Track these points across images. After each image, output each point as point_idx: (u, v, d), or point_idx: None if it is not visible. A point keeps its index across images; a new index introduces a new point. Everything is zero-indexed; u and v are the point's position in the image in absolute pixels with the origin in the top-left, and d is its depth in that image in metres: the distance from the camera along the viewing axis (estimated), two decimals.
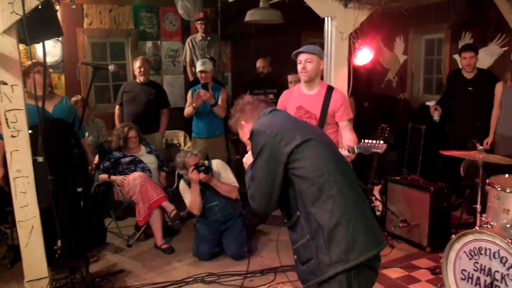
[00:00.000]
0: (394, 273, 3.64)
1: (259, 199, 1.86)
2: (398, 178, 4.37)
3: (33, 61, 3.57)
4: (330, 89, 3.35)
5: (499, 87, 4.61)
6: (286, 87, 4.73)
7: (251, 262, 3.88)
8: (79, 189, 3.23)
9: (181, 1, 4.88)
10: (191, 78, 5.78)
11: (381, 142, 3.09)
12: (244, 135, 2.09)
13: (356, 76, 5.38)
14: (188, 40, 5.84)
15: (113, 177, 4.36)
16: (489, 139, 4.67)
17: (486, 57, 5.47)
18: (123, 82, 5.55)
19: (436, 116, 5.03)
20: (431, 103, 5.57)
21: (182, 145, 5.77)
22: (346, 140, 3.32)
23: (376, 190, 4.54)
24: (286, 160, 1.80)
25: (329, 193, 1.77)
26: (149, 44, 6.16)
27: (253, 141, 1.89)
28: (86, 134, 4.87)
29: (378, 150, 3.10)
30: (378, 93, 7.03)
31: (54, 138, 3.37)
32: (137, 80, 5.04)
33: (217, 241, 4.04)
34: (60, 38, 5.33)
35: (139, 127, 4.75)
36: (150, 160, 4.56)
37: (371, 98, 6.59)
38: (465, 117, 4.89)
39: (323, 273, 1.76)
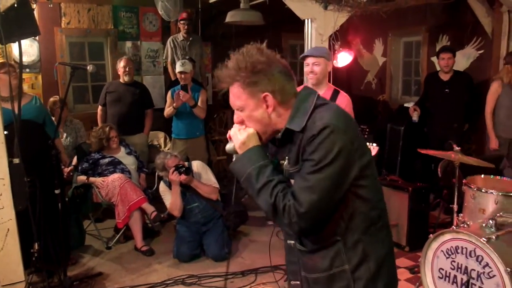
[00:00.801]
0: None
1: (312, 218, 1.40)
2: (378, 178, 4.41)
3: (0, 61, 3.50)
4: (336, 91, 3.32)
5: (496, 86, 4.54)
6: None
7: (232, 263, 3.89)
8: (57, 191, 3.18)
9: (161, 1, 4.84)
10: (173, 78, 5.74)
11: (374, 144, 3.08)
12: (257, 108, 1.47)
13: (336, 78, 5.44)
14: (170, 39, 5.80)
15: (91, 179, 4.30)
16: (492, 144, 4.54)
17: (463, 59, 5.59)
18: (103, 83, 5.48)
19: (415, 116, 5.12)
20: (409, 105, 5.66)
21: (163, 146, 5.73)
22: None
23: None
24: (358, 174, 1.41)
25: (384, 221, 1.53)
26: (128, 44, 6.09)
27: (326, 138, 1.36)
28: (64, 135, 4.80)
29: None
30: (358, 94, 7.10)
31: (22, 140, 3.29)
32: (121, 80, 4.98)
33: (197, 242, 4.02)
34: (37, 37, 5.22)
35: (124, 128, 4.71)
36: (129, 162, 4.52)
37: (351, 99, 6.64)
38: (442, 118, 4.99)
39: None
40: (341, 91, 3.34)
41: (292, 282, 1.66)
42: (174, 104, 4.65)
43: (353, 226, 1.46)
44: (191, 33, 5.79)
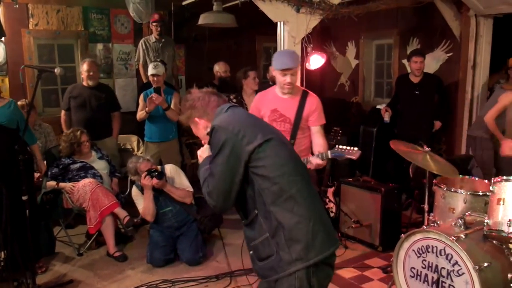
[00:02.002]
0: (347, 273, 3.71)
1: (217, 196, 1.85)
2: (351, 180, 4.46)
3: None
4: (305, 93, 3.32)
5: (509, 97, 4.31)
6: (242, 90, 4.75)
7: (206, 267, 3.86)
8: (24, 198, 3.08)
9: (132, 3, 4.79)
10: (144, 80, 5.67)
11: (355, 148, 3.06)
12: (199, 130, 2.10)
13: (310, 80, 5.46)
14: (142, 41, 5.72)
15: (61, 184, 4.19)
16: (506, 150, 4.18)
17: (432, 62, 5.72)
18: None
19: (386, 117, 5.20)
20: (382, 106, 5.75)
21: (136, 150, 5.65)
22: (317, 145, 3.28)
23: (330, 192, 4.62)
24: (247, 158, 1.80)
25: (289, 193, 1.81)
26: (100, 46, 5.99)
27: (213, 136, 1.87)
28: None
29: (352, 157, 3.04)
30: (331, 96, 7.17)
31: None
32: (85, 84, 4.85)
33: (171, 247, 3.97)
34: (2, 39, 5.07)
35: (91, 132, 4.60)
36: (101, 166, 4.43)
37: (324, 101, 6.66)
38: (412, 119, 5.09)
39: (283, 270, 1.80)
40: (309, 92, 3.36)
41: (250, 253, 1.97)
42: (147, 108, 4.59)
43: (263, 200, 1.82)
44: (163, 35, 5.73)
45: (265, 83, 6.96)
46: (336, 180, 4.63)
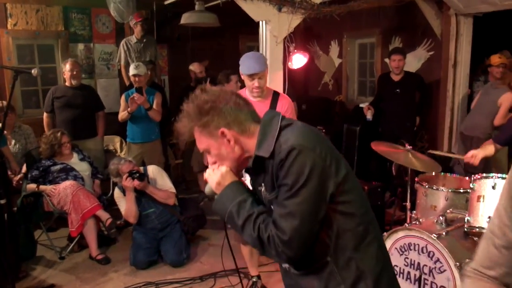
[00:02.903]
0: None
1: (299, 244, 1.36)
2: None
3: None
4: (276, 94, 3.29)
5: (509, 99, 4.42)
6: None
7: (190, 269, 3.84)
8: (2, 201, 3.01)
9: (113, 3, 4.72)
10: (126, 82, 5.61)
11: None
12: (220, 146, 1.47)
13: (294, 79, 5.48)
14: (123, 42, 5.66)
15: (42, 187, 4.12)
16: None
17: (414, 61, 5.76)
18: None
19: (369, 115, 5.23)
20: (364, 105, 5.79)
21: (119, 151, 5.58)
22: None
23: None
24: (335, 191, 1.36)
25: (373, 234, 1.46)
26: (81, 46, 5.90)
27: (294, 161, 1.33)
28: (13, 142, 4.59)
29: None
30: (315, 95, 7.20)
31: None
32: (68, 84, 4.80)
33: (155, 248, 3.94)
34: None
35: (77, 133, 4.55)
36: (82, 168, 4.37)
37: (308, 100, 6.73)
38: (395, 117, 5.12)
39: None
40: (280, 93, 3.31)
41: None
42: (129, 108, 4.55)
43: (342, 244, 1.41)
44: (145, 35, 5.67)
45: None
46: None
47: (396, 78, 5.13)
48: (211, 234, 4.50)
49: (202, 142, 1.49)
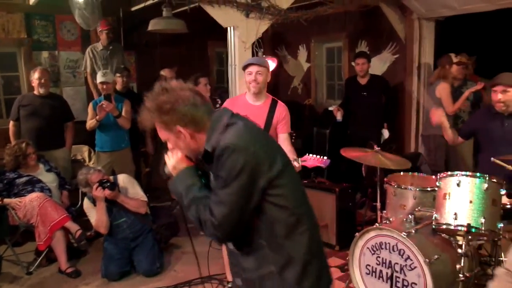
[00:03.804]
0: None
1: (227, 229, 1.56)
2: (306, 181, 4.52)
3: None
4: (274, 101, 3.38)
5: (446, 88, 4.68)
6: None
7: (164, 278, 3.79)
8: None
9: (78, 9, 4.62)
10: (92, 89, 5.51)
11: (325, 157, 3.14)
12: (179, 141, 1.66)
13: None
14: (89, 49, 5.55)
15: (6, 200, 3.99)
16: (435, 118, 4.04)
17: (380, 64, 5.90)
18: (17, 96, 5.11)
19: (339, 116, 5.31)
20: (333, 107, 5.88)
21: (87, 160, 5.47)
22: (287, 152, 3.35)
23: None
24: (266, 185, 1.54)
25: (306, 226, 1.62)
26: (45, 54, 5.75)
27: (226, 158, 1.51)
28: None
29: (322, 165, 3.15)
30: (285, 99, 7.21)
31: None
32: (36, 92, 4.67)
33: (127, 259, 3.86)
34: None
35: (42, 143, 4.44)
36: (49, 179, 4.25)
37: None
38: (362, 120, 5.23)
39: None
40: (279, 101, 3.43)
41: (237, 283, 1.79)
42: (97, 116, 4.46)
43: (275, 231, 1.59)
44: (111, 42, 5.58)
45: (219, 88, 6.97)
46: None
47: (362, 81, 5.25)
48: (185, 241, 4.45)
49: (162, 135, 1.69)
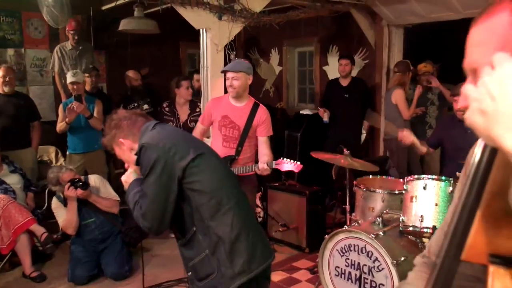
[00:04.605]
0: (276, 276, 3.76)
1: (153, 218, 1.76)
2: (277, 184, 4.55)
3: None
4: (256, 104, 3.45)
5: (400, 94, 4.87)
6: (162, 96, 4.67)
7: (133, 281, 3.73)
8: None
9: (46, 7, 4.50)
10: (60, 89, 5.37)
11: (298, 162, 3.21)
12: (123, 152, 2.00)
13: None
14: (57, 48, 5.41)
15: None
16: (406, 140, 3.85)
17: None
18: None
19: (325, 117, 5.34)
20: (305, 112, 5.94)
21: (54, 161, 5.32)
22: (264, 155, 3.41)
23: (257, 197, 4.67)
24: (181, 174, 1.74)
25: (228, 206, 1.79)
26: (10, 52, 5.58)
27: (142, 156, 1.78)
28: None
29: (293, 169, 3.21)
30: None
31: None
32: (0, 91, 4.52)
33: (94, 262, 3.79)
34: None
35: (6, 143, 4.30)
36: (14, 181, 4.13)
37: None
38: (343, 122, 5.27)
39: (227, 286, 1.75)
40: (260, 104, 3.49)
41: (190, 278, 1.91)
42: (67, 118, 4.36)
43: (201, 215, 1.77)
44: (81, 42, 5.46)
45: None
46: (263, 185, 4.69)
47: (344, 82, 5.31)
48: (154, 244, 4.40)
49: (116, 151, 2.04)
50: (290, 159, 3.26)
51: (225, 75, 3.54)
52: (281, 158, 3.28)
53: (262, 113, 3.44)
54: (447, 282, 0.77)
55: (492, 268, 0.73)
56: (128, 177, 2.00)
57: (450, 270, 0.77)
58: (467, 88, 0.68)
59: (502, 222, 0.74)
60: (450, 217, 0.79)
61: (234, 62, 3.47)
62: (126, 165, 2.05)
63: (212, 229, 1.76)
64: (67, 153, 4.75)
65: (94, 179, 3.96)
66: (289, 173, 5.53)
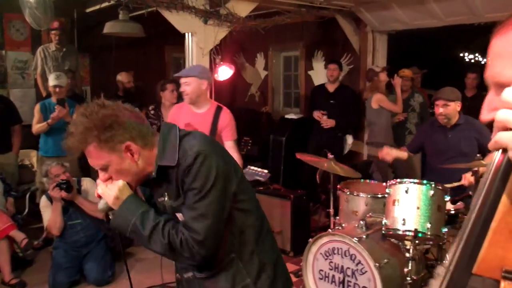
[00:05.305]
0: None
1: (213, 243, 1.42)
2: (262, 188, 4.54)
3: None
4: (219, 108, 3.33)
5: (381, 97, 4.96)
6: (148, 100, 4.64)
7: (116, 286, 3.68)
8: None
9: (28, 8, 4.45)
10: (42, 91, 5.30)
11: (265, 171, 3.17)
12: (122, 161, 1.44)
13: (221, 91, 5.49)
14: (40, 49, 5.34)
15: None
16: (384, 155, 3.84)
17: None
18: None
19: (324, 120, 5.32)
20: (290, 116, 5.97)
21: (35, 166, 5.24)
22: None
23: None
24: (236, 190, 1.46)
25: (266, 227, 1.61)
26: None
27: (201, 165, 1.38)
28: None
29: (261, 178, 3.17)
30: (242, 107, 7.28)
31: None
32: None
33: (77, 268, 3.74)
34: None
35: None
36: None
37: (235, 112, 6.72)
38: (328, 128, 5.28)
39: None
40: (223, 107, 3.38)
41: None
42: (49, 121, 4.30)
43: (245, 239, 1.51)
44: (64, 44, 5.41)
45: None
46: None
47: (331, 88, 5.32)
48: (138, 249, 4.35)
49: (102, 158, 1.43)
50: (258, 168, 3.20)
51: None
52: (248, 167, 3.21)
53: (225, 116, 3.32)
54: None
55: (504, 284, 0.69)
56: (121, 192, 1.47)
57: (461, 282, 0.72)
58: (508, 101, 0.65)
59: None
60: (464, 226, 0.75)
61: (188, 67, 3.40)
62: (100, 178, 1.51)
63: (257, 253, 1.51)
64: (38, 155, 4.67)
65: (86, 183, 3.95)
66: (274, 176, 5.59)
